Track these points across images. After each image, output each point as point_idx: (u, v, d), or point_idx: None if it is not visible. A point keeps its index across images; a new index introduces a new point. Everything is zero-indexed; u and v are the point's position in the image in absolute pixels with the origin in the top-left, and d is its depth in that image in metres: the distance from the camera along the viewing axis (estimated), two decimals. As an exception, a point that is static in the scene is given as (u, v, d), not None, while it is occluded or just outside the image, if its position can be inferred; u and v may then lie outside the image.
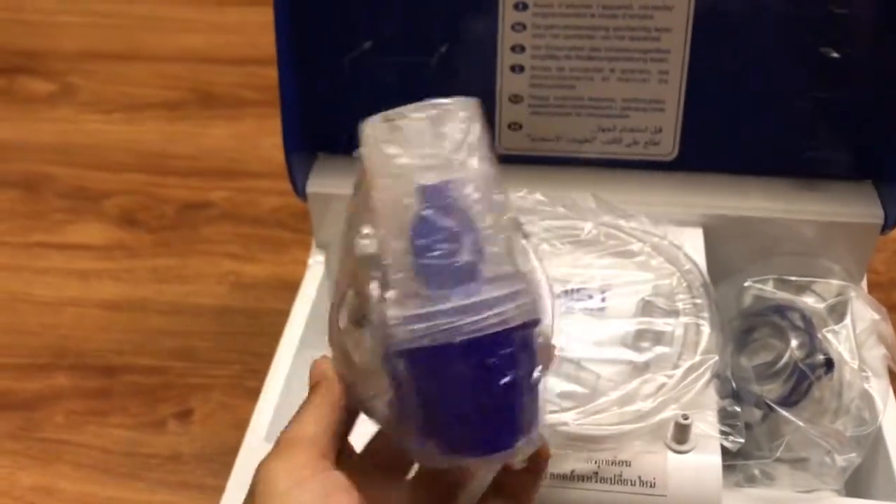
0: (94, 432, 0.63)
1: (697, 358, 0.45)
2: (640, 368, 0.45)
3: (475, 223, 0.32)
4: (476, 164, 0.32)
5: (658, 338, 0.46)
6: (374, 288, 0.32)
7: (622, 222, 0.51)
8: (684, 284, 0.48)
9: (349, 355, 0.34)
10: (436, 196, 0.31)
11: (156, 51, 0.99)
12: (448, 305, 0.31)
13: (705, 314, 0.46)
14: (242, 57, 0.95)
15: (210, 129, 0.89)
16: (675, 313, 0.47)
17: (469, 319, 0.31)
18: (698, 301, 0.47)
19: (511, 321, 0.31)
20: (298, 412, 0.35)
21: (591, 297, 0.49)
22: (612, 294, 0.49)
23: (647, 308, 0.47)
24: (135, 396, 0.65)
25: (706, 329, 0.46)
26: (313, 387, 0.35)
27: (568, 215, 0.52)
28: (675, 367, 0.45)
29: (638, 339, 0.46)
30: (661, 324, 0.46)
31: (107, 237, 0.78)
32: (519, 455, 0.33)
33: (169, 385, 0.66)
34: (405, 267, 0.31)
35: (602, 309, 0.48)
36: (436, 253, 0.31)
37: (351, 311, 0.34)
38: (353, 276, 0.33)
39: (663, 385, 0.44)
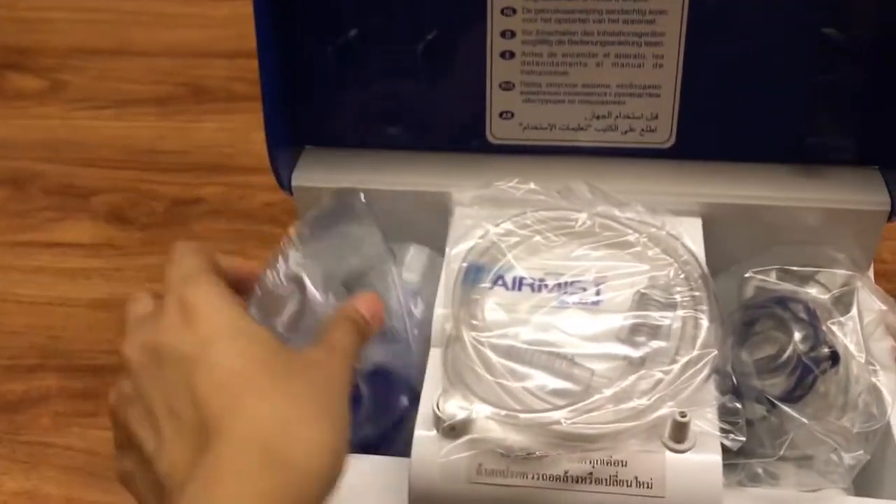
0: (80, 434, 0.62)
1: (695, 353, 0.43)
2: (636, 364, 0.43)
3: None
4: None
5: (654, 332, 0.44)
6: None
7: (617, 212, 0.50)
8: (682, 276, 0.47)
9: None
10: None
11: (146, 46, 0.97)
12: None
13: (704, 307, 0.45)
14: (233, 50, 0.94)
15: (201, 123, 0.87)
16: (672, 306, 0.45)
17: None
18: (696, 293, 0.45)
19: None
20: None
21: (584, 290, 0.47)
22: (607, 287, 0.47)
23: (643, 301, 0.45)
24: (122, 397, 0.63)
25: (704, 322, 0.44)
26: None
27: (561, 206, 0.50)
28: (673, 362, 0.43)
29: (633, 333, 0.45)
30: (657, 317, 0.45)
31: (96, 235, 0.76)
32: None
33: (157, 386, 0.64)
34: None
35: (596, 302, 0.46)
36: None
37: None
38: None
39: (660, 381, 0.42)
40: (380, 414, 0.51)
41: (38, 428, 0.62)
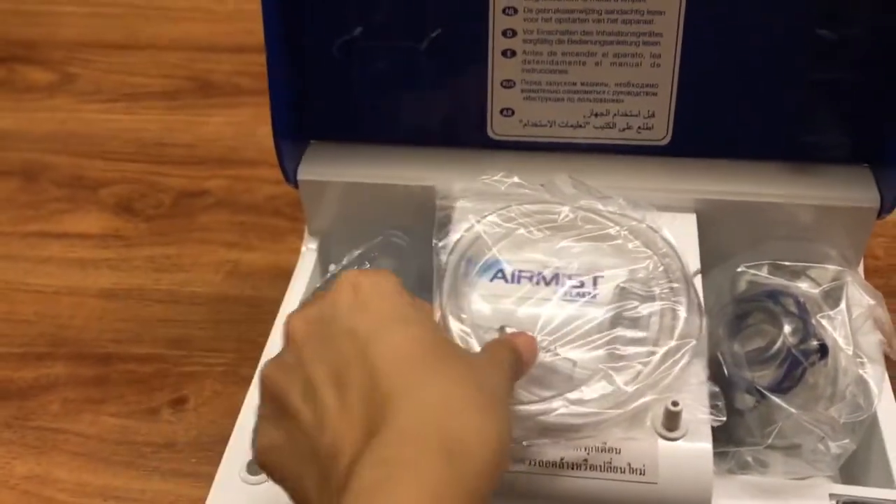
0: (90, 420, 0.63)
1: (674, 343, 0.45)
2: (617, 355, 0.45)
3: None
4: None
5: (634, 323, 0.46)
6: None
7: (600, 206, 0.51)
8: (661, 269, 0.48)
9: None
10: None
11: (154, 39, 0.98)
12: None
13: (682, 298, 0.46)
14: (239, 45, 0.95)
15: (208, 117, 0.89)
16: (651, 298, 0.47)
17: None
18: (675, 285, 0.47)
19: None
20: None
21: (567, 283, 0.48)
22: (589, 280, 0.48)
23: (623, 294, 0.47)
24: (130, 385, 0.65)
25: (682, 313, 0.46)
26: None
27: (545, 199, 0.51)
28: (652, 352, 0.44)
29: (614, 324, 0.46)
30: (637, 309, 0.46)
31: (104, 226, 0.78)
32: None
33: (164, 373, 0.66)
34: None
35: (579, 295, 0.48)
36: None
37: None
38: None
39: (640, 371, 0.44)
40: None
41: (48, 414, 0.64)
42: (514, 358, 0.40)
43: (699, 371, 0.45)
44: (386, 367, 0.33)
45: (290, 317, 0.37)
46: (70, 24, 1.01)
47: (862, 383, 0.48)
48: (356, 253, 0.55)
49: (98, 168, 0.83)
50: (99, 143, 0.86)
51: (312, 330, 0.36)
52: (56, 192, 0.81)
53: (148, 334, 0.68)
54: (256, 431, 0.36)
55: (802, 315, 0.49)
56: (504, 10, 0.53)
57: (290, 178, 0.57)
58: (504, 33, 0.54)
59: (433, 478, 0.31)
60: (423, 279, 0.49)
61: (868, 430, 0.49)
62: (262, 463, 0.36)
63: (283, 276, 0.60)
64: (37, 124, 0.89)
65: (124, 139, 0.86)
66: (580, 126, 0.56)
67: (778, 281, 0.51)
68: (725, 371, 0.47)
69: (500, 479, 0.33)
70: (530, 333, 0.44)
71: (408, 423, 0.32)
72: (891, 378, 0.51)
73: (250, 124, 0.87)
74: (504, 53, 0.54)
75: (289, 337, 0.37)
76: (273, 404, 0.36)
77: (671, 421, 0.44)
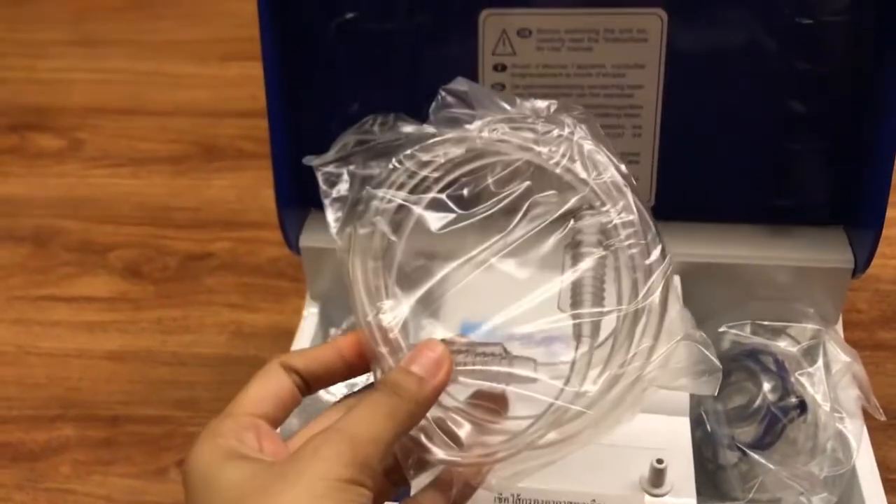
0: (99, 482, 0.65)
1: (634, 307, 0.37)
2: (579, 335, 0.38)
3: None
4: None
5: (595, 292, 0.38)
6: None
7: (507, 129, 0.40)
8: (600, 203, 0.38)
9: None
10: None
11: (160, 106, 1.02)
12: None
13: (641, 241, 0.38)
14: (243, 110, 0.99)
15: (212, 181, 0.92)
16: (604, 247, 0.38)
17: None
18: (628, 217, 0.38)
19: None
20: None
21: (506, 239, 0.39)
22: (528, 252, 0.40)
23: (574, 249, 0.39)
24: (139, 446, 0.67)
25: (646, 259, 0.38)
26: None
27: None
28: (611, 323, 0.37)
29: (574, 293, 0.38)
30: (592, 269, 0.38)
31: (112, 289, 0.80)
32: None
33: (172, 434, 0.68)
34: None
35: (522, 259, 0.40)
36: None
37: None
38: None
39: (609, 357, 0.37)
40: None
41: (59, 476, 0.65)
42: (385, 408, 0.34)
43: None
44: None
45: None
46: (79, 92, 1.05)
47: (841, 438, 0.50)
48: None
49: (106, 232, 0.86)
50: (107, 207, 0.89)
51: None
52: (66, 256, 0.84)
53: (155, 396, 0.70)
54: None
55: (781, 373, 0.51)
56: (492, 87, 0.56)
57: (293, 245, 0.60)
58: (493, 107, 0.57)
59: None
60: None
61: (848, 484, 0.50)
62: None
63: (286, 336, 0.63)
64: (47, 189, 0.92)
65: (132, 203, 0.89)
66: (568, 193, 0.59)
67: (758, 340, 0.53)
68: (708, 428, 0.49)
69: None
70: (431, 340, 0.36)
71: None
72: (869, 431, 0.54)
73: (254, 187, 0.90)
74: (494, 126, 0.57)
75: None
76: None
77: (656, 477, 0.46)
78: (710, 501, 0.48)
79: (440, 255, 0.40)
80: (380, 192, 0.40)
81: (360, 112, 0.57)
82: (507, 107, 0.40)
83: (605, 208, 0.38)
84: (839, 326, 0.58)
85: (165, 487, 0.64)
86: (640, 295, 0.37)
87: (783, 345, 0.53)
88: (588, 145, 0.39)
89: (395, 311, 0.38)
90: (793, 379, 0.51)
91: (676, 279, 0.37)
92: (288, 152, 0.58)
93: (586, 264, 0.38)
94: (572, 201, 0.38)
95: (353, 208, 0.40)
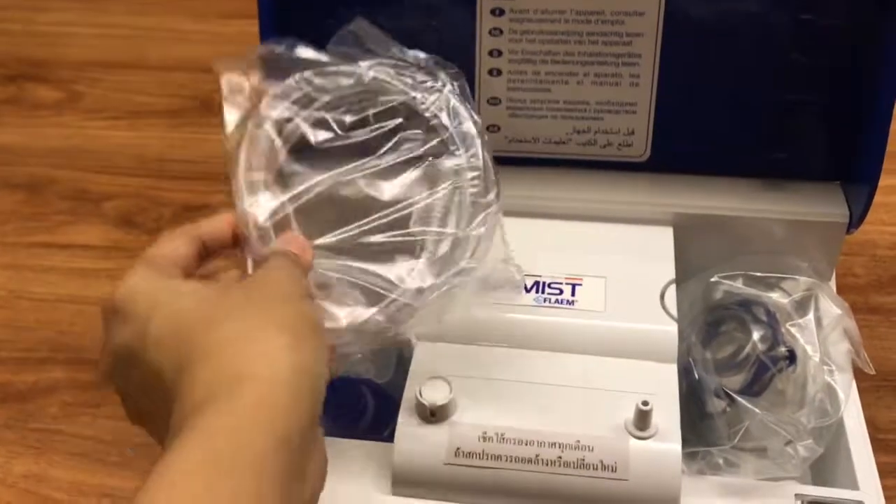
0: (87, 423, 0.65)
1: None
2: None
3: None
4: None
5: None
6: None
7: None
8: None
9: None
10: None
11: (160, 61, 1.02)
12: None
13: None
14: (242, 66, 0.98)
15: (210, 135, 0.91)
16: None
17: None
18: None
19: None
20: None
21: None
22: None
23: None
24: (127, 389, 0.67)
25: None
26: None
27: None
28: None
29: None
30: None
31: (106, 238, 0.80)
32: None
33: (160, 379, 0.68)
34: None
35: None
36: None
37: None
38: None
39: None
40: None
41: (47, 416, 0.66)
42: (289, 259, 0.40)
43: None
44: (164, 362, 0.35)
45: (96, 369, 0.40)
46: (79, 45, 1.04)
47: (829, 390, 0.50)
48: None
49: (101, 182, 0.86)
50: (103, 158, 0.89)
51: (112, 366, 0.39)
52: (60, 204, 0.84)
53: (146, 341, 0.70)
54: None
55: (772, 323, 0.51)
56: (490, 32, 0.56)
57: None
58: (490, 53, 0.56)
59: (234, 407, 0.32)
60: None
61: (835, 436, 0.50)
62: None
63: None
64: (44, 140, 0.91)
65: (128, 155, 0.89)
66: (563, 142, 0.58)
67: (750, 291, 0.53)
68: (696, 375, 0.49)
69: (314, 398, 0.35)
70: (292, 232, 0.43)
71: (191, 401, 0.33)
72: (859, 391, 0.53)
73: (251, 142, 0.89)
74: (490, 72, 0.57)
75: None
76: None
77: (642, 421, 0.46)
78: (696, 447, 0.48)
79: (316, 166, 0.45)
80: (273, 103, 0.45)
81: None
82: (396, 52, 0.46)
83: (458, 152, 0.45)
84: (832, 283, 0.57)
85: (153, 430, 0.64)
86: (473, 225, 0.44)
87: (775, 296, 0.53)
88: (454, 99, 0.45)
89: (268, 204, 0.43)
90: (783, 330, 0.51)
91: (502, 218, 0.45)
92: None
93: (437, 196, 0.45)
94: (434, 142, 0.45)
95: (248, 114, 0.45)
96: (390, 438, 0.47)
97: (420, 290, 0.43)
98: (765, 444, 0.48)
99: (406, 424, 0.47)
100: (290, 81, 0.45)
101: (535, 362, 0.50)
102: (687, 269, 0.55)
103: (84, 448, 0.63)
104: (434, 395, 0.47)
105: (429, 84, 0.45)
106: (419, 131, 0.45)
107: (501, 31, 0.56)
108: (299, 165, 0.45)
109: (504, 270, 0.45)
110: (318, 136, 0.45)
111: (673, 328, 0.50)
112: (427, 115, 0.45)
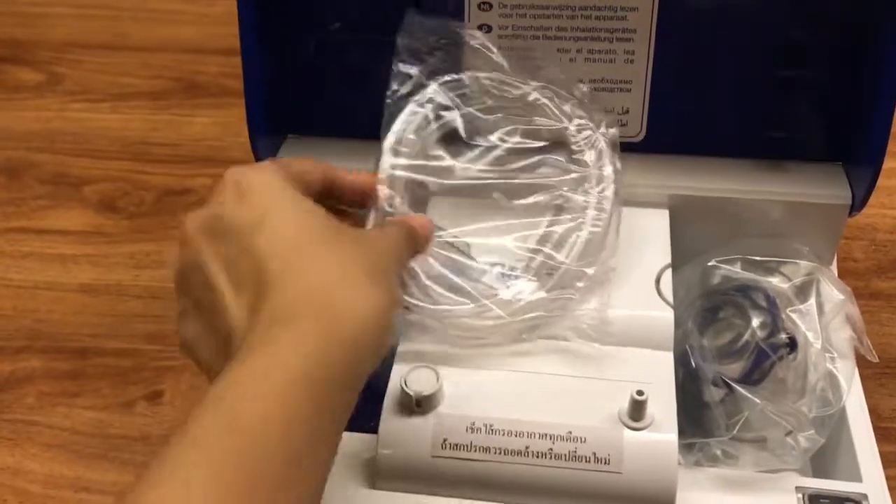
0: (64, 413, 0.63)
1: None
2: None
3: None
4: None
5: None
6: None
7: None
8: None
9: None
10: None
11: (143, 42, 0.99)
12: None
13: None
14: (228, 48, 0.95)
15: (194, 117, 0.89)
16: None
17: None
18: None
19: None
20: None
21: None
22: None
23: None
24: (106, 378, 0.65)
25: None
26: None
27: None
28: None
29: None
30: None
31: (86, 223, 0.78)
32: None
33: (140, 367, 0.66)
34: None
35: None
36: None
37: None
38: None
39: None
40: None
41: (23, 407, 0.63)
42: (405, 232, 0.43)
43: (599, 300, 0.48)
44: (269, 255, 0.36)
45: (183, 219, 0.39)
46: (59, 25, 1.02)
47: (831, 378, 0.48)
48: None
49: (82, 166, 0.83)
50: (83, 141, 0.86)
51: (201, 230, 0.37)
52: (39, 189, 0.81)
53: (125, 329, 0.68)
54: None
55: (772, 309, 0.49)
56: (480, 6, 0.54)
57: (266, 171, 0.58)
58: (480, 28, 0.54)
59: (309, 344, 0.33)
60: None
61: (836, 426, 0.48)
62: (188, 356, 0.39)
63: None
64: (23, 122, 0.89)
65: (110, 138, 0.87)
66: (555, 122, 0.56)
67: (749, 275, 0.51)
68: (693, 363, 0.47)
69: (383, 351, 0.37)
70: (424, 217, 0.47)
71: (285, 300, 0.34)
72: (861, 379, 0.52)
73: (236, 125, 0.86)
74: (479, 48, 0.55)
75: (183, 238, 0.38)
76: (185, 301, 0.38)
77: (636, 411, 0.44)
78: (693, 438, 0.46)
79: (457, 159, 0.49)
80: (440, 89, 0.50)
81: (341, 31, 0.56)
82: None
83: (591, 190, 0.48)
84: (833, 268, 0.56)
85: (131, 420, 0.62)
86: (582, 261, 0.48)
87: (775, 281, 0.51)
88: (603, 142, 0.49)
89: (405, 175, 0.48)
90: (784, 316, 0.49)
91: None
92: (261, 75, 0.55)
93: (559, 225, 0.48)
94: (573, 175, 0.49)
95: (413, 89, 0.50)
96: (374, 430, 0.45)
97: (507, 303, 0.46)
98: (764, 434, 0.46)
99: (390, 415, 0.45)
100: (464, 77, 0.50)
101: (525, 350, 0.48)
102: (683, 253, 0.53)
103: (61, 440, 0.61)
104: (420, 384, 0.45)
105: (585, 121, 0.49)
106: (561, 159, 0.49)
107: (491, 6, 0.53)
108: (443, 152, 0.49)
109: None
110: (468, 134, 0.49)
111: (669, 314, 0.48)
112: (574, 147, 0.49)
